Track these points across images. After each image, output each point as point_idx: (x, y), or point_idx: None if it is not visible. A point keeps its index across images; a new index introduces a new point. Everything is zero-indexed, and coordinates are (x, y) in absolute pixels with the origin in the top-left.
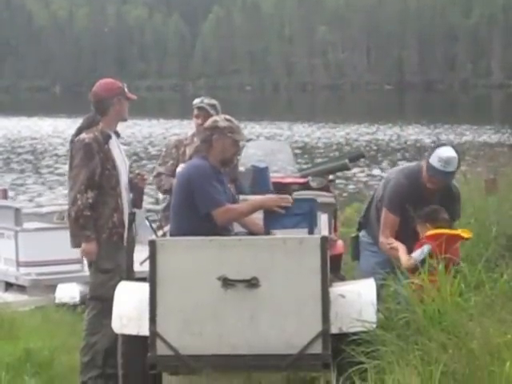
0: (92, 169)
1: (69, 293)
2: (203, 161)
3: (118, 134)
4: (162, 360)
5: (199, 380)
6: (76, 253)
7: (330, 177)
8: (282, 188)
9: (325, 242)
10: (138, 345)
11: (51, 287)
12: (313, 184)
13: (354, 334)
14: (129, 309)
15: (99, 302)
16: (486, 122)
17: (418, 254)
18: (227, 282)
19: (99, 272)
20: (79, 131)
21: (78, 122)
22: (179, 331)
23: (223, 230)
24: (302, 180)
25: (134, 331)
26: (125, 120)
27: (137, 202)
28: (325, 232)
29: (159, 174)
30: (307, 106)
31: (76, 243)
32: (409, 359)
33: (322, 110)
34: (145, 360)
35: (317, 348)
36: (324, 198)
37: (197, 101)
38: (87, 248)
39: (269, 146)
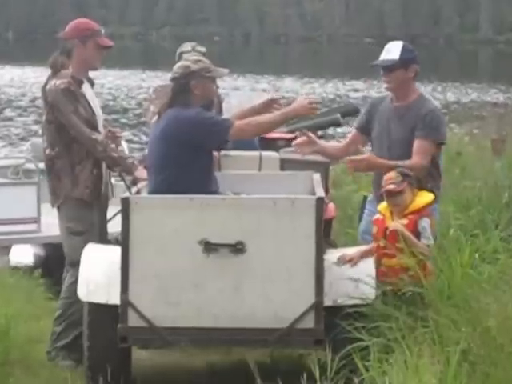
0: (78, 109)
1: (24, 255)
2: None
3: (91, 82)
4: (134, 332)
5: (172, 354)
6: (32, 211)
7: (319, 133)
8: (267, 144)
9: (321, 204)
10: (107, 314)
11: (5, 249)
12: None
13: (351, 307)
14: (97, 274)
15: (77, 268)
16: (472, 80)
17: (427, 234)
18: (209, 247)
19: (72, 235)
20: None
21: (36, 70)
22: (154, 300)
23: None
24: (288, 135)
25: (103, 299)
26: (95, 68)
27: (109, 165)
28: (320, 192)
29: None
30: (280, 58)
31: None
32: (416, 337)
33: (296, 63)
34: (114, 332)
35: (309, 322)
36: (315, 156)
37: (186, 47)
38: (140, 174)
39: (253, 97)
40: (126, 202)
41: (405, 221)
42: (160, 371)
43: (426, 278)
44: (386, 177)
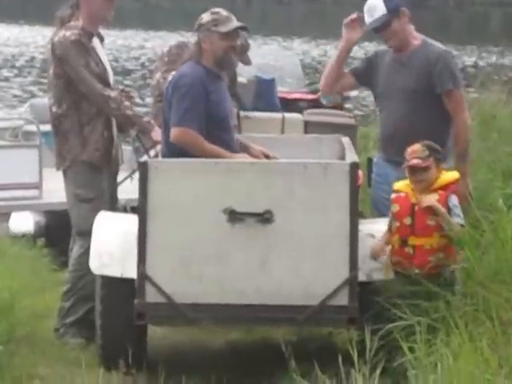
0: (90, 63)
1: (24, 223)
2: (196, 66)
3: (101, 38)
4: (152, 309)
5: (189, 332)
6: (33, 176)
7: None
8: (287, 105)
9: (355, 170)
10: (122, 289)
11: (4, 216)
12: (324, 101)
13: (386, 283)
14: (111, 245)
15: (87, 238)
16: (487, 43)
17: (458, 211)
18: (234, 216)
19: (80, 202)
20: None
21: (33, 29)
22: (174, 274)
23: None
24: (311, 96)
25: (117, 272)
26: (105, 20)
27: (121, 125)
28: (353, 157)
29: None
30: (284, 19)
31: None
32: (464, 316)
33: (302, 24)
34: (130, 308)
35: (342, 299)
36: (342, 118)
37: None
38: (156, 135)
39: (274, 55)
40: (144, 167)
41: (435, 196)
42: (176, 351)
43: (453, 260)
44: (410, 149)
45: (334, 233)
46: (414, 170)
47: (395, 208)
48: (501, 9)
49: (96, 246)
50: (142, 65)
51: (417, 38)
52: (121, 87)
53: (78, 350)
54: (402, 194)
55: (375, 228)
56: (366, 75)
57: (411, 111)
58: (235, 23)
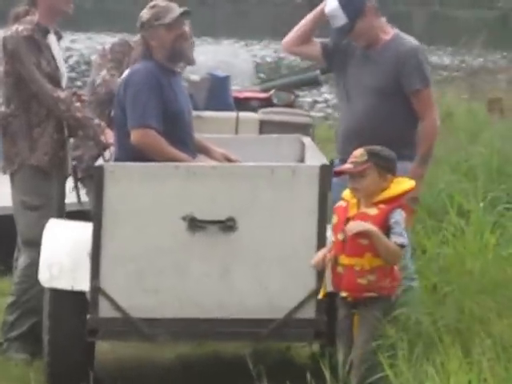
0: (41, 62)
1: None
2: (148, 62)
3: (59, 35)
4: (106, 324)
5: (137, 345)
6: None
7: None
8: (239, 104)
9: (327, 172)
10: (72, 303)
11: None
12: (276, 100)
13: None
14: (61, 255)
15: (33, 248)
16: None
17: (399, 230)
18: (195, 224)
19: (27, 209)
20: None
21: None
22: (130, 287)
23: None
24: (262, 95)
25: (68, 285)
26: (64, 13)
27: (71, 128)
28: (321, 159)
29: None
30: (209, 20)
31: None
32: (447, 332)
33: (227, 24)
34: (80, 324)
35: (309, 311)
36: (299, 117)
37: None
38: (108, 136)
39: (224, 52)
40: (99, 171)
41: (373, 210)
42: (124, 366)
43: (391, 285)
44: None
45: (301, 241)
46: (351, 177)
47: (334, 220)
48: (423, 8)
49: (45, 257)
50: (71, 68)
51: (387, 33)
52: (73, 90)
53: (22, 366)
54: (343, 204)
55: None
56: (332, 56)
57: (377, 110)
58: (177, 10)
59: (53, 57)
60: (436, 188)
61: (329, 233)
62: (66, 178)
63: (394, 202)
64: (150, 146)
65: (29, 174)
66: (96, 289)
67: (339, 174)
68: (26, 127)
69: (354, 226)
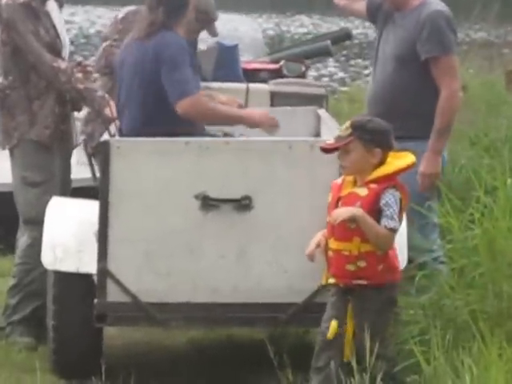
0: (39, 30)
1: None
2: (175, 34)
3: (60, 2)
4: (115, 309)
5: (146, 329)
6: None
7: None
8: (247, 75)
9: None
10: (78, 286)
11: None
12: (286, 71)
13: None
14: (66, 236)
15: (35, 227)
16: None
17: (391, 212)
18: (208, 202)
19: (28, 186)
20: None
21: None
22: (139, 270)
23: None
24: (272, 66)
25: (73, 267)
26: None
27: (74, 101)
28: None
29: None
30: None
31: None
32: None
33: None
34: (87, 308)
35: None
36: (312, 88)
37: None
38: (113, 109)
39: (233, 20)
40: (105, 147)
41: (363, 191)
42: (134, 351)
43: (387, 272)
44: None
45: (321, 221)
46: (339, 153)
47: (330, 197)
48: None
49: (48, 238)
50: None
51: None
52: (78, 59)
53: (26, 352)
54: (339, 181)
55: None
56: (375, 16)
57: (393, 78)
58: None
59: (53, 25)
60: (456, 164)
61: None
62: (70, 152)
63: (387, 180)
64: (202, 112)
65: (29, 149)
66: (104, 271)
67: (326, 151)
68: (25, 100)
69: (339, 214)
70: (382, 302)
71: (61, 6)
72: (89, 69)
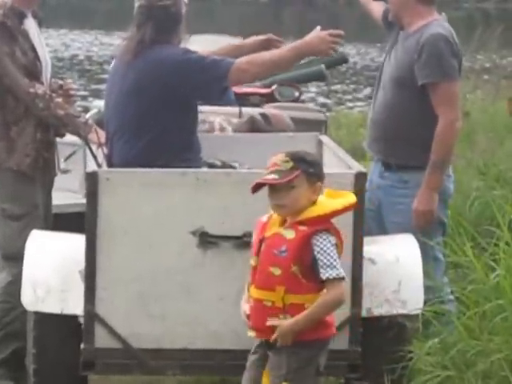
0: (15, 52)
1: None
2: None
3: (38, 18)
4: (104, 356)
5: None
6: None
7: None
8: (238, 99)
9: (362, 180)
10: (62, 329)
11: None
12: (279, 95)
13: (388, 318)
14: (47, 273)
15: (16, 262)
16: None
17: (329, 260)
18: (206, 239)
19: (8, 219)
20: None
21: None
22: (131, 313)
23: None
24: (263, 90)
25: (56, 308)
26: None
27: (55, 127)
28: (354, 165)
29: None
30: None
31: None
32: None
33: (192, 22)
34: (71, 352)
35: (341, 342)
36: (310, 113)
37: None
38: (94, 137)
39: (219, 41)
40: (92, 178)
41: (290, 233)
42: None
43: (315, 328)
44: (269, 162)
45: None
46: (273, 191)
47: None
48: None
49: (28, 275)
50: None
51: (425, 19)
52: (60, 82)
53: None
54: (264, 219)
55: (376, 250)
56: (389, 27)
57: (391, 103)
58: None
59: (31, 45)
60: (465, 195)
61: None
62: (52, 182)
63: (319, 223)
64: (260, 64)
65: (8, 179)
66: (91, 315)
67: (258, 187)
68: (3, 126)
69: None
70: (304, 360)
71: (40, 24)
72: (71, 92)
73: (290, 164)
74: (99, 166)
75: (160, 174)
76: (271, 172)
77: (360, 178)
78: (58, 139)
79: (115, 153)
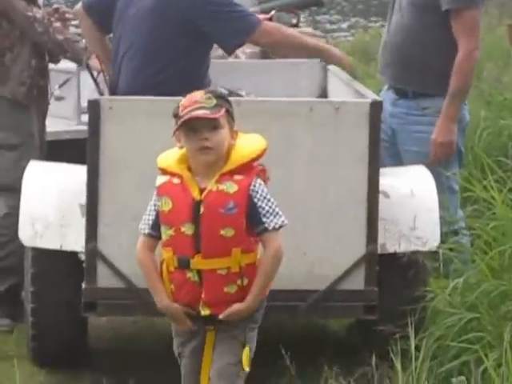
0: None
1: None
2: None
3: None
4: (106, 296)
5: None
6: None
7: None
8: None
9: (378, 110)
10: (61, 266)
11: None
12: (278, 21)
13: (404, 255)
14: (46, 207)
15: (12, 194)
16: None
17: (271, 207)
18: None
19: (2, 149)
20: None
21: None
22: (135, 251)
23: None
24: (263, 16)
25: (55, 244)
26: None
27: (52, 52)
28: (368, 93)
29: None
30: None
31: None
32: None
33: None
34: (71, 290)
35: (356, 282)
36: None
37: None
38: (95, 63)
39: None
40: (95, 107)
41: (232, 186)
42: (120, 335)
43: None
44: (186, 100)
45: (347, 195)
46: (195, 131)
47: (165, 205)
48: None
49: (26, 210)
50: None
51: None
52: (55, 6)
53: (2, 334)
54: (175, 181)
55: (389, 183)
56: None
57: (412, 27)
58: None
59: None
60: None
61: None
62: (46, 110)
63: (250, 169)
64: (286, 35)
65: (2, 108)
66: (93, 253)
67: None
68: None
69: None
70: (256, 321)
71: None
72: (68, 16)
73: (214, 101)
74: (101, 93)
75: (167, 102)
76: (198, 107)
77: (375, 106)
78: (51, 65)
79: (121, 79)
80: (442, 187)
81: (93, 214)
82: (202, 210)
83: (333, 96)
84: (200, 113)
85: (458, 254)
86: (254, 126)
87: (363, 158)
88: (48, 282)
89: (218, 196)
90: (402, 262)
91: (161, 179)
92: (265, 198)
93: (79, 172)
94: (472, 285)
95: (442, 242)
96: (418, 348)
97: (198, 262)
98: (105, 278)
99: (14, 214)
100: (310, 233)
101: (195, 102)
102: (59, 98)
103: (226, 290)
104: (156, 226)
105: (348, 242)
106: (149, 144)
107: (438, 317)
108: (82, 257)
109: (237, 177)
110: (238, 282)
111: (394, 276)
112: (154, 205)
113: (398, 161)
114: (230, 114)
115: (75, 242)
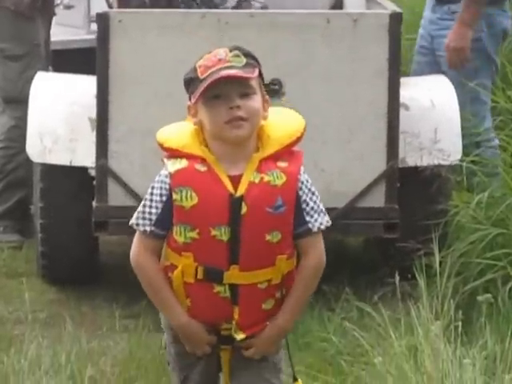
0: None
1: None
2: None
3: None
4: (118, 215)
5: None
6: None
7: None
8: None
9: (398, 21)
10: (71, 182)
11: None
12: None
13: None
14: (55, 121)
15: (18, 106)
16: None
17: (318, 206)
18: None
19: (7, 59)
20: None
21: None
22: (146, 167)
23: None
24: None
25: (65, 160)
26: None
27: None
28: (389, 5)
29: None
30: None
31: None
32: None
33: None
34: (81, 207)
35: (377, 199)
36: None
37: None
38: None
39: None
40: (103, 20)
41: (279, 177)
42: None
43: None
44: (203, 61)
45: (366, 111)
46: (224, 97)
47: (186, 200)
48: None
49: (34, 124)
50: None
51: None
52: None
53: (11, 250)
54: (200, 167)
55: (409, 95)
56: None
57: None
58: None
59: None
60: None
61: None
62: (51, 20)
63: (291, 154)
64: None
65: (6, 18)
66: (104, 170)
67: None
68: None
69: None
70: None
71: None
72: None
73: (243, 59)
74: (110, 6)
75: (178, 15)
76: (224, 68)
77: (395, 18)
78: None
79: None
80: (466, 97)
81: (103, 131)
82: (244, 209)
83: (351, 7)
84: (232, 72)
85: (482, 167)
86: (269, 38)
87: (383, 71)
88: (57, 198)
89: (264, 190)
90: (424, 175)
91: (175, 164)
92: (309, 190)
93: (89, 84)
94: (497, 199)
95: (466, 154)
96: (441, 265)
97: (233, 274)
98: (116, 196)
99: (20, 126)
100: (328, 149)
101: (220, 61)
102: (68, 7)
103: (263, 306)
104: (163, 221)
105: (368, 158)
106: (159, 58)
107: (462, 233)
108: (92, 172)
109: (281, 163)
110: (277, 294)
111: (415, 190)
112: (161, 195)
113: (437, 68)
114: (261, 76)
115: (85, 157)
